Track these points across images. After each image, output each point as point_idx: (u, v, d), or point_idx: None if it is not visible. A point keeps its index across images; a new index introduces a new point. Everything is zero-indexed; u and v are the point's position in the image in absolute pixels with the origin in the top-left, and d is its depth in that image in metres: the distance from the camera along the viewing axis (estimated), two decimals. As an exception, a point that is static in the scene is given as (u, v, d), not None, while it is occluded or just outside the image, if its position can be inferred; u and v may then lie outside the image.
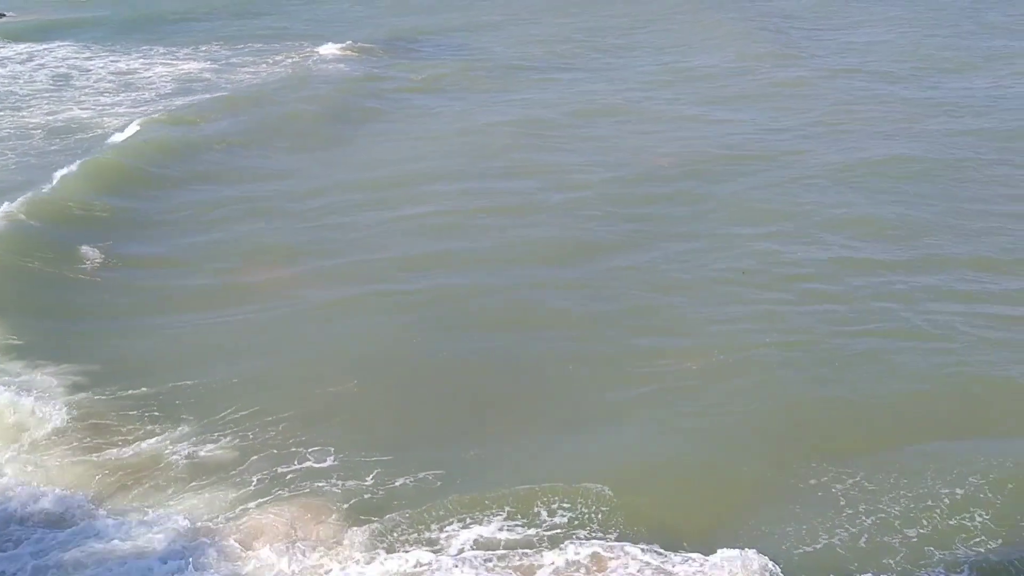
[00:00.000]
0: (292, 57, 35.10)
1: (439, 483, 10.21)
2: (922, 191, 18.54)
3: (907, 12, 45.63)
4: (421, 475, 10.30)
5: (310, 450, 10.74)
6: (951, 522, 9.50)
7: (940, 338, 13.05)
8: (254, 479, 10.30)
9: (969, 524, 9.52)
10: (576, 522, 9.54)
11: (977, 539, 9.38)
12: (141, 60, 35.41)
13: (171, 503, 10.02)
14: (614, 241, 16.47)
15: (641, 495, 9.97)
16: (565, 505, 9.71)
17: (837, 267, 15.20)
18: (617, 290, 14.61)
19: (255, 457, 10.67)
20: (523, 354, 12.91)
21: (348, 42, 37.58)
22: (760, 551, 9.08)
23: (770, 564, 8.93)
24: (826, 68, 31.41)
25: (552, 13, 49.96)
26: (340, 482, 10.23)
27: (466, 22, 47.13)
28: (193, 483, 10.29)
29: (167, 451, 10.79)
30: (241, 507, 9.91)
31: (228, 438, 10.98)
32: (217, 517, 9.82)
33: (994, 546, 9.29)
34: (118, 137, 22.65)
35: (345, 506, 9.91)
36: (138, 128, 23.06)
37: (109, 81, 31.43)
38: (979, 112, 24.74)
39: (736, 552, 9.08)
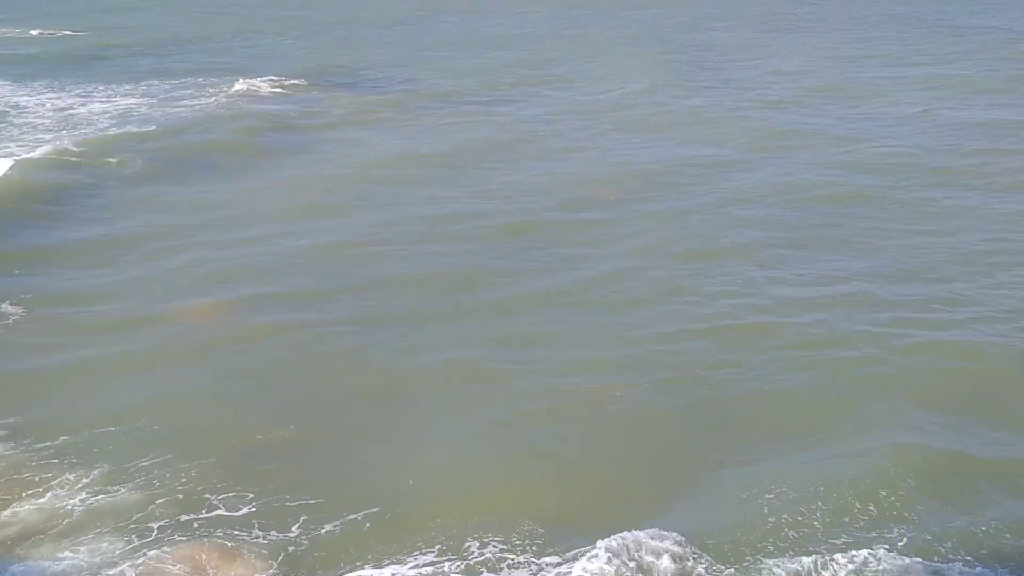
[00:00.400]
0: (225, 90, 35.61)
1: (368, 524, 9.87)
2: (825, 214, 19.12)
3: (825, 43, 48.30)
4: (349, 516, 9.97)
5: (224, 496, 10.38)
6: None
7: (829, 343, 13.58)
8: (156, 526, 10.02)
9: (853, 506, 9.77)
10: (506, 551, 9.31)
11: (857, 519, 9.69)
12: (78, 96, 35.72)
13: (69, 552, 9.76)
14: (519, 268, 16.62)
15: (555, 511, 10.01)
16: (497, 538, 9.47)
17: (743, 287, 15.46)
18: (517, 315, 14.62)
19: (160, 502, 10.37)
20: (438, 381, 12.71)
21: (278, 76, 38.50)
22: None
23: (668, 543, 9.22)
24: (746, 98, 32.61)
25: (487, 48, 52.04)
26: (255, 528, 9.87)
27: (403, 56, 48.35)
28: (95, 530, 10.02)
29: (73, 500, 10.48)
30: (141, 554, 9.64)
31: (138, 484, 10.65)
32: (117, 564, 9.56)
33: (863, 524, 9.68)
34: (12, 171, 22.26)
35: (256, 551, 9.61)
36: (31, 165, 22.87)
37: (47, 117, 31.37)
38: (882, 138, 25.73)
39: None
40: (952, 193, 20.18)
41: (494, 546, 9.33)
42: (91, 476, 10.89)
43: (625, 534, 9.21)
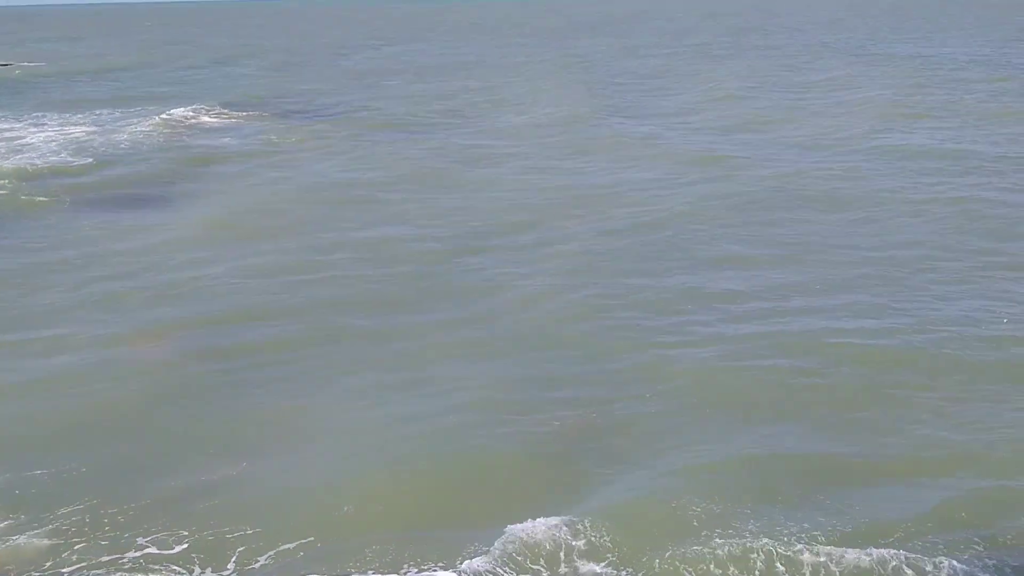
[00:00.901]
0: (167, 119, 36.10)
1: (301, 553, 9.56)
2: (720, 230, 19.42)
3: (743, 72, 50.16)
4: (283, 547, 9.64)
5: (155, 535, 9.83)
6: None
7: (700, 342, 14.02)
8: (74, 571, 9.32)
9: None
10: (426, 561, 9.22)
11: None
12: (30, 124, 36.42)
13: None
14: (440, 291, 16.56)
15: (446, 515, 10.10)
16: (422, 551, 9.35)
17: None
18: (432, 338, 14.53)
19: (82, 546, 9.66)
20: (364, 405, 12.53)
21: (221, 105, 39.58)
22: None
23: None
24: (666, 124, 33.59)
25: (429, 75, 53.72)
26: (192, 565, 9.40)
27: (343, 83, 50.25)
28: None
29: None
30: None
31: (61, 529, 9.93)
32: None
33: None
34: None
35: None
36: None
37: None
38: (784, 161, 26.24)
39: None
40: (856, 214, 20.69)
41: (419, 559, 9.30)
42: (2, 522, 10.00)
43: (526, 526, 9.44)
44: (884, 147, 27.59)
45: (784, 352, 13.42)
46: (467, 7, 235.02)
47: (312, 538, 9.77)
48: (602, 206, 21.70)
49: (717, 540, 9.21)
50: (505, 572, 9.02)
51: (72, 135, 33.77)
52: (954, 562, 8.77)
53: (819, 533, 9.32)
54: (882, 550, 8.91)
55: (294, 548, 9.61)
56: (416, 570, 9.24)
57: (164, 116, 36.75)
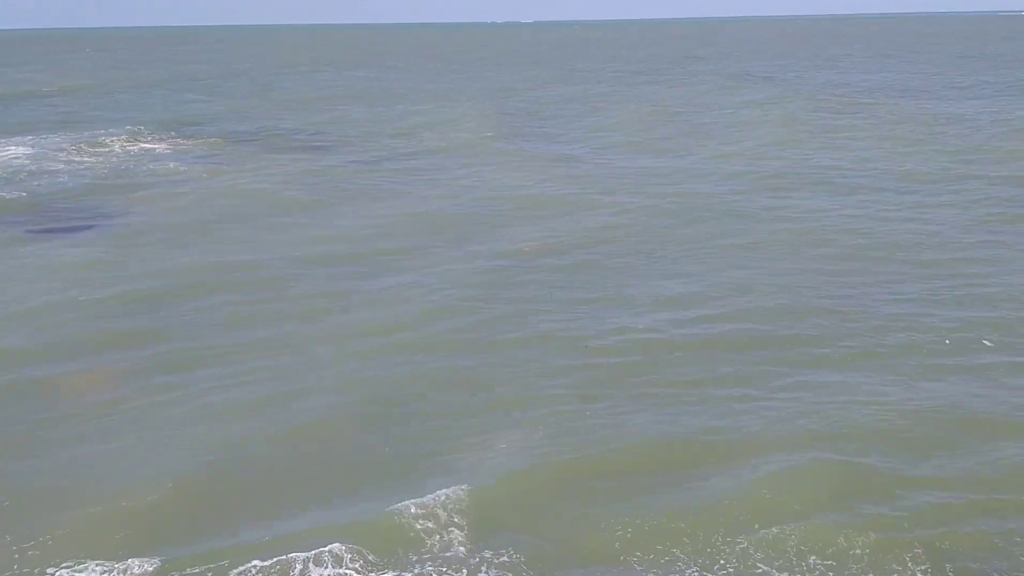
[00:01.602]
0: (107, 141, 36.39)
1: None
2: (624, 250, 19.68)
3: (640, 103, 51.39)
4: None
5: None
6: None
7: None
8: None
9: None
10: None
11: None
12: None
13: None
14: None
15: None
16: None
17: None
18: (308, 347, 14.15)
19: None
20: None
21: (162, 130, 39.87)
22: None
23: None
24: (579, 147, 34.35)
25: (355, 100, 55.09)
26: None
27: (270, 106, 50.84)
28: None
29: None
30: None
31: None
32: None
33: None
34: None
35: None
36: None
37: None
38: (682, 180, 27.13)
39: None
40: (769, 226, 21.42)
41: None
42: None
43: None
44: (756, 171, 28.47)
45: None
46: (423, 32, 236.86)
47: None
48: (469, 229, 21.96)
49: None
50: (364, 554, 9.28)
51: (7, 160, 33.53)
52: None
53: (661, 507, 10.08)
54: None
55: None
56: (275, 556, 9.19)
57: (107, 139, 37.12)
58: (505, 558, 9.20)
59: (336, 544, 9.29)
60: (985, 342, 14.21)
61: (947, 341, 14.26)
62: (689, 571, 9.06)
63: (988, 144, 31.85)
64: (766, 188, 25.88)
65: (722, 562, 9.11)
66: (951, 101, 47.29)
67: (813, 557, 9.11)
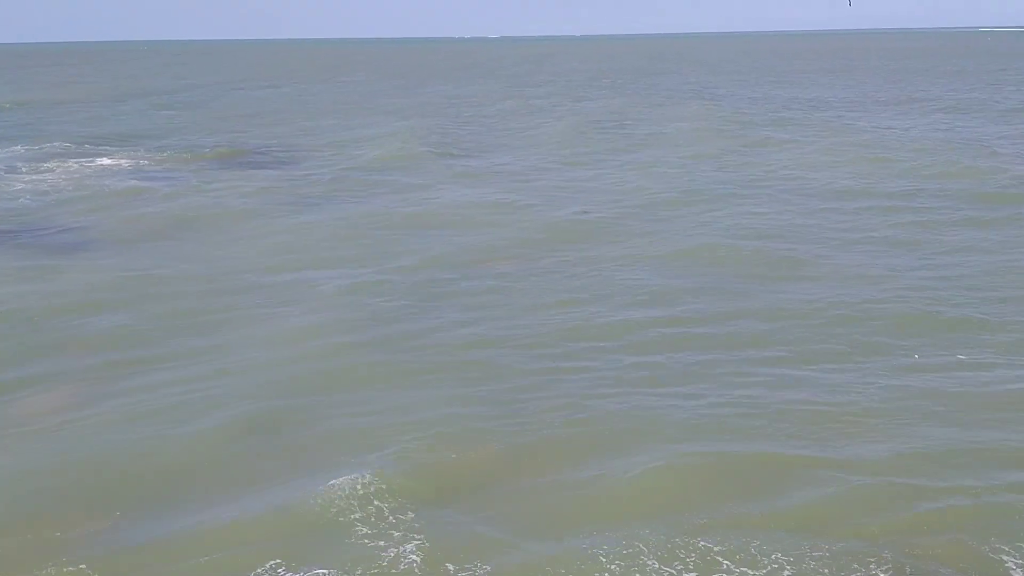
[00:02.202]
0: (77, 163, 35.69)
1: None
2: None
3: (579, 116, 52.75)
4: None
5: None
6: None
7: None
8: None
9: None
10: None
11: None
12: None
13: None
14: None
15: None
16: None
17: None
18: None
19: None
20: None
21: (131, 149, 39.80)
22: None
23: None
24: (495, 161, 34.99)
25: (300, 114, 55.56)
26: None
27: (223, 123, 51.36)
28: None
29: None
30: None
31: None
32: None
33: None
34: None
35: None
36: None
37: None
38: (604, 194, 27.58)
39: None
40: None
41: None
42: None
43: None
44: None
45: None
46: (388, 47, 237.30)
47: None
48: (384, 245, 22.12)
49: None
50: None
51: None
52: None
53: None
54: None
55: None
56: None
57: (75, 160, 36.82)
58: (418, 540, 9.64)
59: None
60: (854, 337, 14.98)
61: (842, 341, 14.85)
62: (583, 546, 9.53)
63: (903, 159, 32.68)
64: (667, 202, 26.53)
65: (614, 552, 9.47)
66: (883, 116, 48.61)
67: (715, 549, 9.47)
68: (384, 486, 10.47)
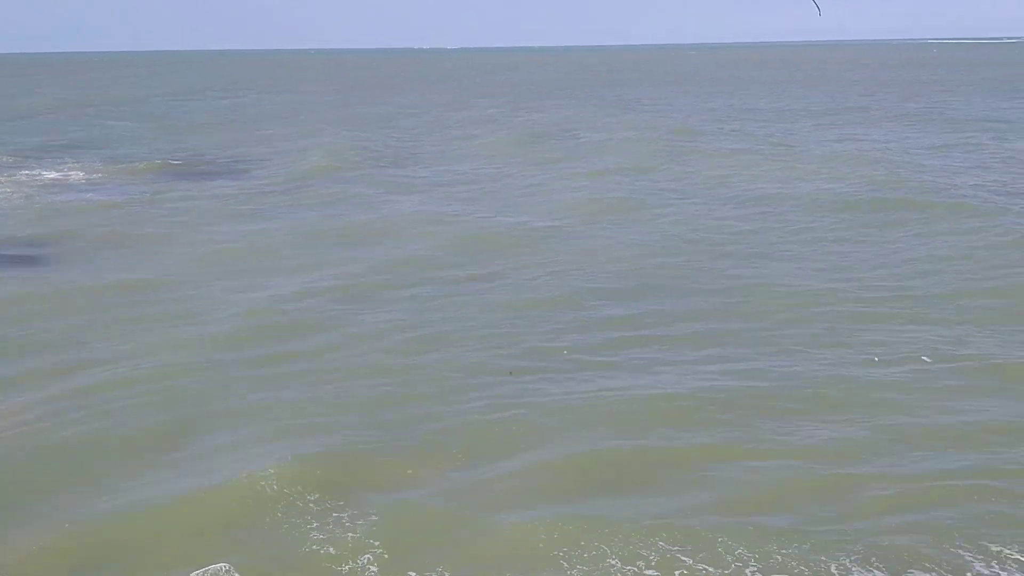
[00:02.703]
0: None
1: None
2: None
3: (518, 128, 52.93)
4: None
5: None
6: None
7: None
8: None
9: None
10: None
11: None
12: None
13: None
14: None
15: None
16: None
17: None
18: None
19: None
20: None
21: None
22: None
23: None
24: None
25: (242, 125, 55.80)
26: None
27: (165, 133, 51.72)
28: None
29: None
30: None
31: None
32: None
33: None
34: None
35: None
36: None
37: None
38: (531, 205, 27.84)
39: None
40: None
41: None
42: None
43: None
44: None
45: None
46: (345, 58, 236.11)
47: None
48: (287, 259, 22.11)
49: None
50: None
51: None
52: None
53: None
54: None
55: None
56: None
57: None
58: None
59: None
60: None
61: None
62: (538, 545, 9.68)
63: (815, 167, 33.89)
64: (601, 209, 27.10)
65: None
66: (819, 128, 49.95)
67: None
68: (277, 484, 10.74)
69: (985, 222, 23.47)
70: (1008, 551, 9.31)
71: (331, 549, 9.64)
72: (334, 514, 10.30)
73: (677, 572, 9.16)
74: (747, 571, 9.11)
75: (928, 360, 14.33)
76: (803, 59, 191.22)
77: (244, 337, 16.18)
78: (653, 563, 9.29)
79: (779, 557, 9.26)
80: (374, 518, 10.16)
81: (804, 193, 28.71)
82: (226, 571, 9.28)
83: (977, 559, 9.25)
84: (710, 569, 9.17)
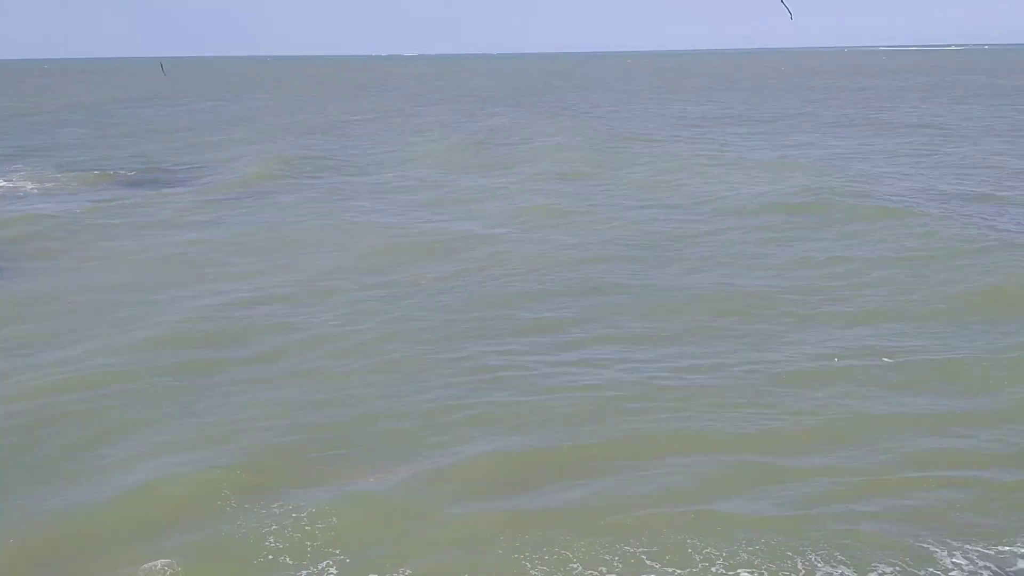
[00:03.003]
0: None
1: None
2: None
3: (451, 135, 52.66)
4: None
5: None
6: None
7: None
8: None
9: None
10: None
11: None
12: None
13: None
14: None
15: None
16: None
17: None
18: None
19: None
20: None
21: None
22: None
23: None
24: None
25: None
26: None
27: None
28: None
29: None
30: None
31: None
32: None
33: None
34: None
35: None
36: None
37: None
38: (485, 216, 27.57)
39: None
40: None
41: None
42: None
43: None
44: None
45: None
46: (300, 64, 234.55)
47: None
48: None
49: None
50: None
51: None
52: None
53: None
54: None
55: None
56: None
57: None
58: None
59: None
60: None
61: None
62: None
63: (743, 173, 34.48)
64: (531, 213, 27.57)
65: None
66: (739, 133, 51.02)
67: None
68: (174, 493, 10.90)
69: (910, 223, 24.38)
70: (970, 543, 9.44)
71: (275, 542, 9.87)
72: (273, 510, 10.46)
73: (641, 568, 9.17)
74: (713, 569, 9.10)
75: (879, 358, 14.82)
76: (748, 67, 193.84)
77: (181, 343, 16.31)
78: (606, 554, 9.38)
79: (744, 555, 9.24)
80: (312, 511, 10.32)
81: (739, 197, 29.38)
82: (166, 566, 9.40)
83: (939, 549, 9.32)
84: (670, 562, 9.24)
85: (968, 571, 9.07)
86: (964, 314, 16.96)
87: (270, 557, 9.63)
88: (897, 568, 9.08)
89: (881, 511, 10.05)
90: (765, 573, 9.02)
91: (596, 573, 9.11)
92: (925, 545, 9.43)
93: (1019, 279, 18.93)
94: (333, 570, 9.34)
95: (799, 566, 9.07)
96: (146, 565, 9.43)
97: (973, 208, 26.98)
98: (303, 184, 34.87)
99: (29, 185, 35.98)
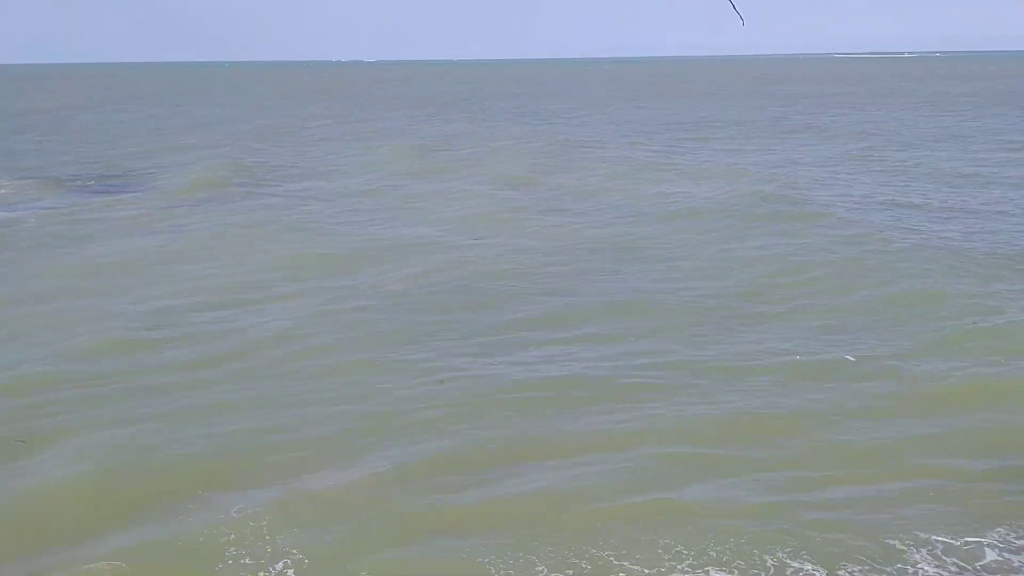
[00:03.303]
0: None
1: None
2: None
3: (403, 141, 53.30)
4: None
5: None
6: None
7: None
8: None
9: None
10: None
11: None
12: None
13: None
14: None
15: None
16: None
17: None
18: None
19: None
20: None
21: None
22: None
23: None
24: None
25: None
26: None
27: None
28: None
29: None
30: None
31: None
32: None
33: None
34: None
35: None
36: None
37: None
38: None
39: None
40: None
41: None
42: None
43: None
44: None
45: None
46: (256, 70, 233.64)
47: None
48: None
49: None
50: None
51: None
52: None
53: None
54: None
55: None
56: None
57: None
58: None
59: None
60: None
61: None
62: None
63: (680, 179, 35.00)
64: (474, 222, 27.49)
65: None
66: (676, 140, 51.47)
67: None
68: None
69: (851, 228, 24.87)
70: (937, 536, 9.51)
71: (227, 543, 9.81)
72: (227, 511, 10.37)
73: (607, 567, 9.17)
74: (680, 567, 9.13)
75: (847, 357, 15.07)
76: (701, 74, 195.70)
77: (128, 347, 16.13)
78: (566, 550, 9.41)
79: (713, 554, 9.26)
80: (266, 512, 10.24)
81: (683, 202, 29.82)
82: (110, 567, 9.28)
83: (907, 545, 9.35)
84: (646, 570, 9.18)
85: (936, 563, 9.12)
86: (907, 312, 17.32)
87: (223, 558, 9.52)
88: (864, 560, 9.15)
89: (847, 504, 10.15)
90: (735, 570, 9.06)
91: (559, 569, 9.11)
92: (892, 539, 9.48)
93: (955, 279, 19.38)
94: (291, 571, 9.26)
95: (768, 563, 9.16)
96: (87, 566, 9.28)
97: (911, 213, 27.73)
98: (258, 190, 34.56)
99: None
